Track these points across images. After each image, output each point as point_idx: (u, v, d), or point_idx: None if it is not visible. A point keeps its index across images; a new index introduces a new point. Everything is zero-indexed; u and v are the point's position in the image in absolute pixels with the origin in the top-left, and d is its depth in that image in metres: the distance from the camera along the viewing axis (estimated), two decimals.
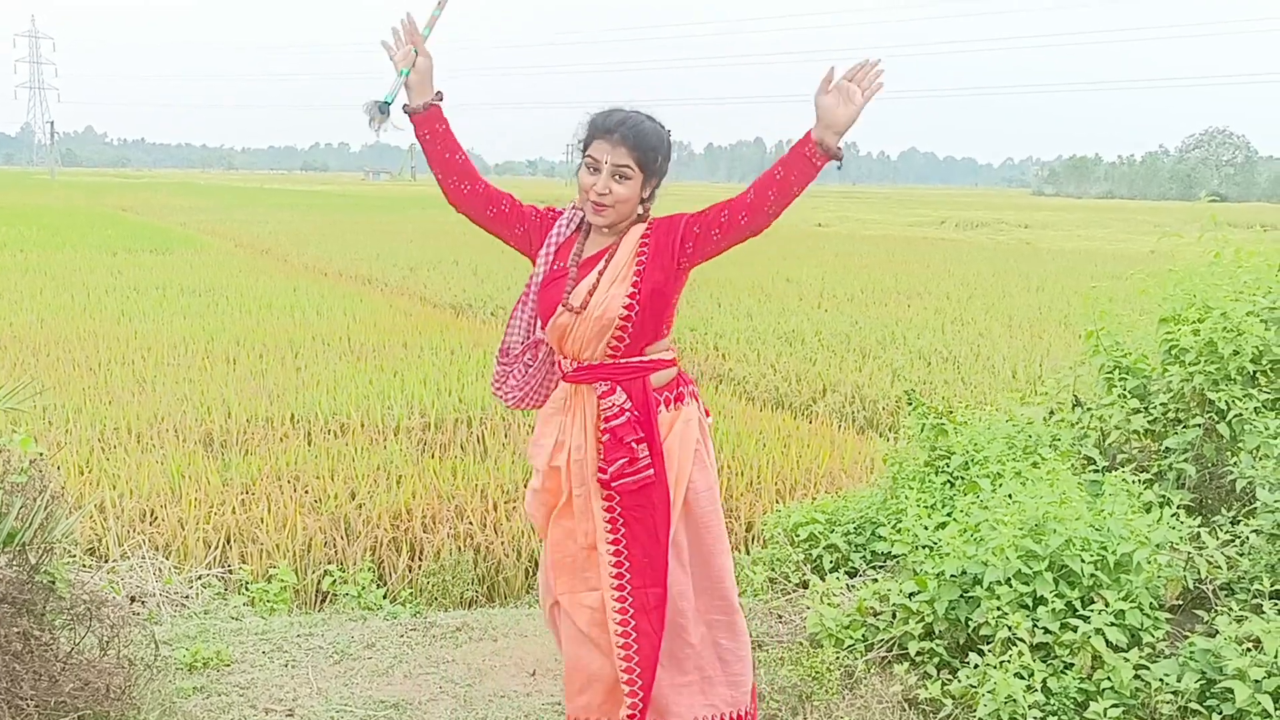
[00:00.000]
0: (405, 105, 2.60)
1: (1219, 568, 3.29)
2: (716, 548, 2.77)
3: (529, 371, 2.75)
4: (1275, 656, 2.78)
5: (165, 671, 3.51)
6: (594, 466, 2.63)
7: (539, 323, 2.69)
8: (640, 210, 2.63)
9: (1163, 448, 4.00)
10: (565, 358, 2.66)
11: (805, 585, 4.20)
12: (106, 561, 4.81)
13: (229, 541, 5.27)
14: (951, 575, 3.41)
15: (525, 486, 5.91)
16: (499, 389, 2.80)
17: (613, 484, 2.59)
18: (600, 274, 2.58)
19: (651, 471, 2.60)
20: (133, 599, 4.35)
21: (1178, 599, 3.35)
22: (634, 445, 2.58)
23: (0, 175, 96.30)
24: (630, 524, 2.63)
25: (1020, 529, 3.32)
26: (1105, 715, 2.85)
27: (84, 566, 4.55)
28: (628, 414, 2.59)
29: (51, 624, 2.98)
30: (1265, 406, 3.74)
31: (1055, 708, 2.99)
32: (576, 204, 2.69)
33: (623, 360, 2.60)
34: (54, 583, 2.96)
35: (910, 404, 4.71)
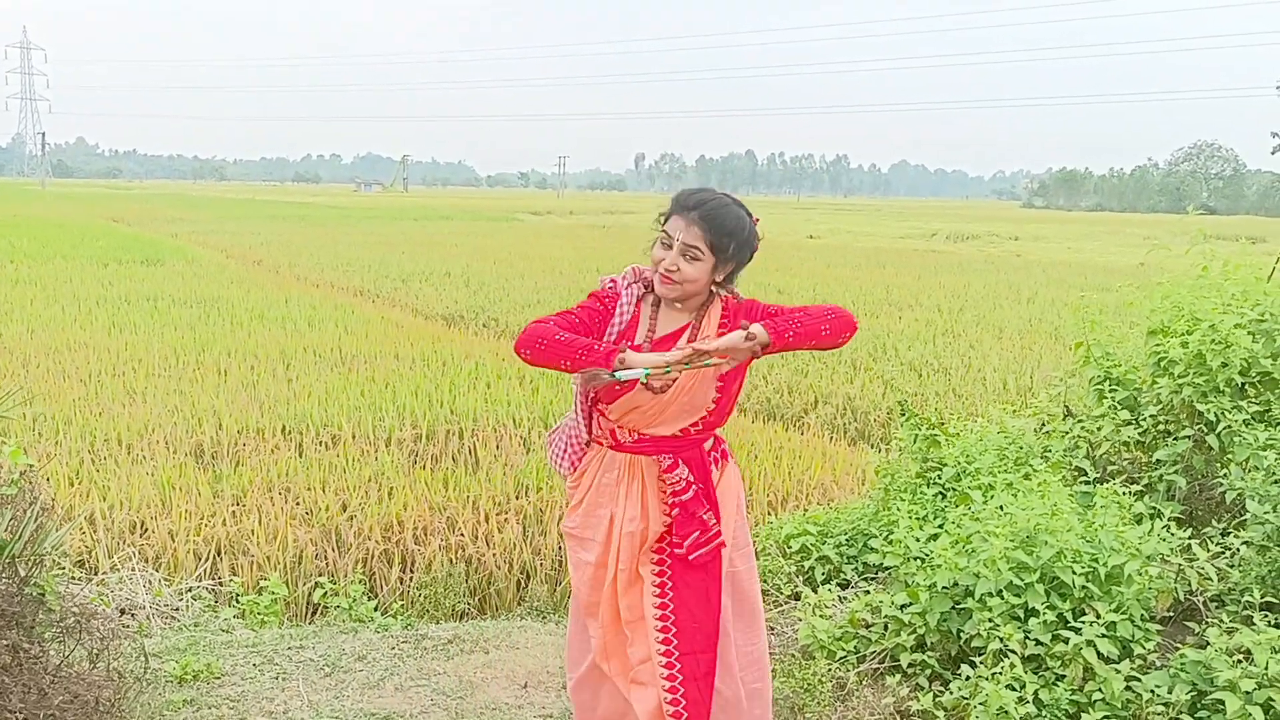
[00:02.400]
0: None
1: (1209, 579, 3.30)
2: (758, 604, 2.79)
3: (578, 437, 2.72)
4: (1266, 668, 2.78)
5: (155, 684, 3.49)
6: (649, 538, 2.62)
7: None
8: (713, 290, 2.62)
9: (1153, 459, 4.01)
10: (623, 429, 2.62)
11: (797, 597, 4.20)
12: (96, 574, 4.80)
13: (219, 553, 5.25)
14: (943, 587, 3.41)
15: (517, 498, 5.95)
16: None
17: (690, 556, 2.57)
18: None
19: (723, 538, 2.60)
20: (122, 611, 4.33)
21: (1169, 611, 3.35)
22: (704, 518, 2.58)
23: None
24: (679, 589, 2.61)
25: (1012, 541, 3.33)
26: None
27: (74, 579, 4.53)
28: (694, 487, 2.59)
29: (41, 636, 2.96)
30: (1254, 418, 3.76)
31: (1047, 719, 2.99)
32: (635, 271, 2.67)
33: (693, 437, 2.61)
34: (43, 595, 2.94)
35: (902, 415, 4.72)
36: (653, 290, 2.63)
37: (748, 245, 2.55)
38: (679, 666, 2.59)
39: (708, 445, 2.68)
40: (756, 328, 2.43)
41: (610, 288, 2.66)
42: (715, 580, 2.61)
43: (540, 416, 7.88)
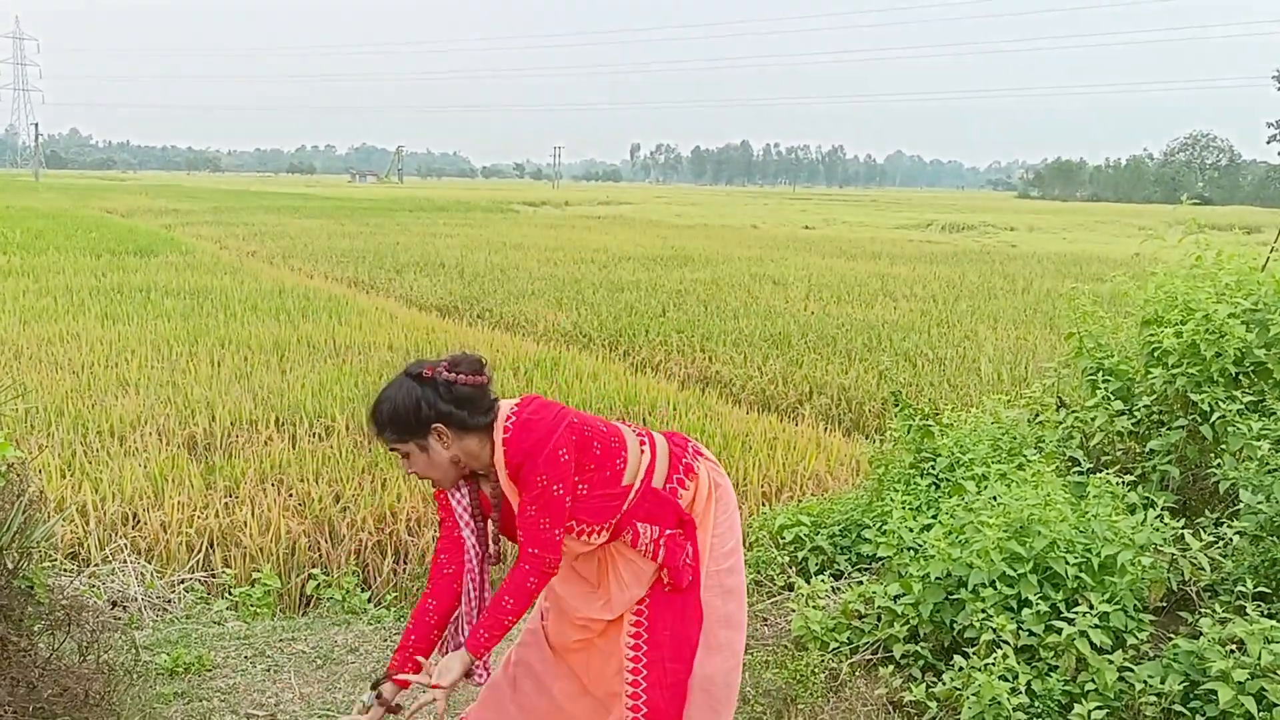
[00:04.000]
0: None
1: (1202, 569, 3.30)
2: (740, 618, 2.68)
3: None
4: (1258, 658, 2.78)
5: (146, 677, 3.48)
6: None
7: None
8: (465, 457, 2.48)
9: (1146, 449, 4.01)
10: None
11: (791, 588, 4.19)
12: (88, 566, 4.77)
13: (212, 545, 5.24)
14: (936, 578, 3.41)
15: None
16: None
17: (682, 584, 2.50)
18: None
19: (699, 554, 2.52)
20: (114, 603, 4.31)
21: (1161, 601, 3.35)
22: (688, 562, 2.50)
23: None
24: (655, 612, 2.53)
25: (1005, 531, 3.32)
26: (1089, 717, 2.85)
27: (64, 571, 4.51)
28: (663, 539, 2.49)
29: (30, 630, 2.95)
30: (1248, 408, 3.75)
31: (1040, 710, 2.99)
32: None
33: (611, 530, 2.49)
34: (32, 588, 2.93)
35: (896, 406, 4.71)
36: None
37: (420, 413, 2.40)
38: (645, 674, 2.51)
39: (662, 472, 2.55)
40: (456, 661, 2.42)
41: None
42: (695, 596, 2.53)
43: None
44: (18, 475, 3.11)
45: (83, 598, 3.23)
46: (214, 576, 4.94)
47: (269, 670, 3.68)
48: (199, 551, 5.17)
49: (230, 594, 4.64)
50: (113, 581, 4.51)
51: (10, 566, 2.89)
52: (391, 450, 2.47)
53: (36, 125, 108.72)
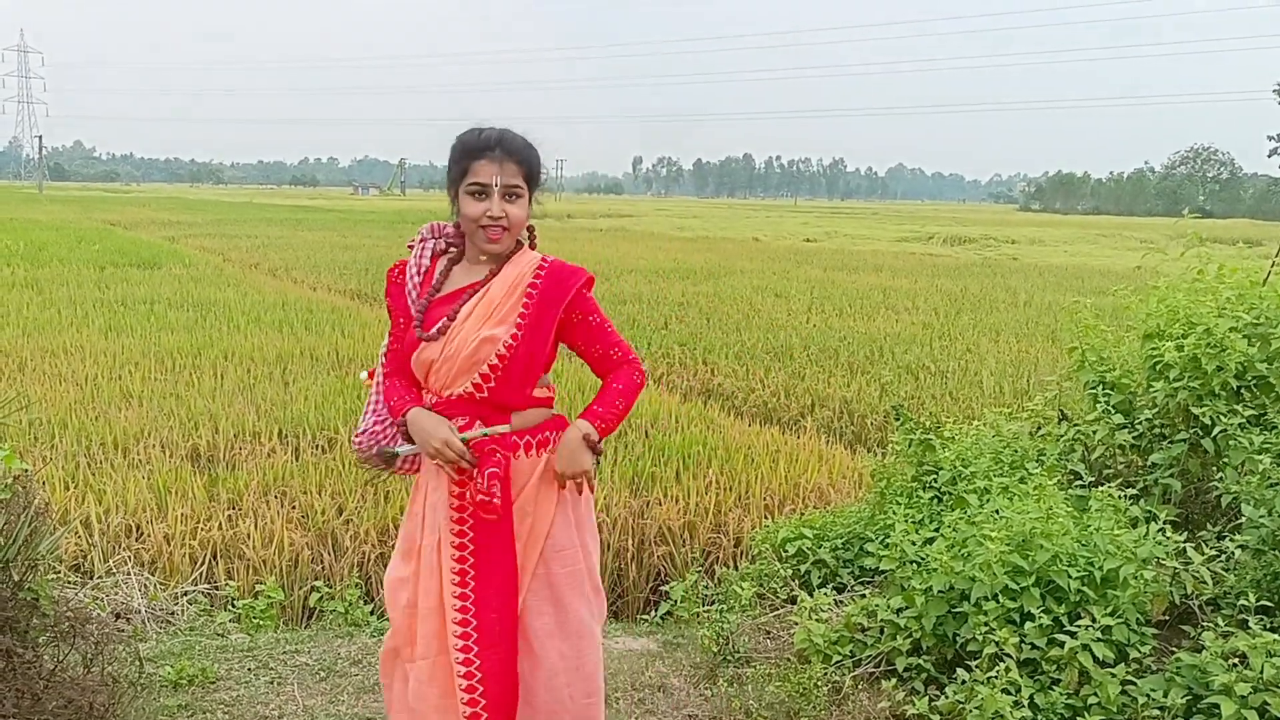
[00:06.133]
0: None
1: (1205, 583, 3.30)
2: (585, 621, 2.53)
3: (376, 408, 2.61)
4: (1261, 672, 2.79)
5: (150, 689, 3.49)
6: (447, 510, 2.43)
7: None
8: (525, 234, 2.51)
9: (1148, 463, 4.01)
10: (429, 393, 2.48)
11: (793, 601, 4.20)
12: (92, 578, 4.78)
13: (215, 557, 5.24)
14: (939, 591, 3.41)
15: None
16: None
17: (467, 508, 2.40)
18: (475, 305, 2.41)
19: (498, 500, 2.37)
20: (118, 615, 4.31)
21: (1164, 614, 3.35)
22: (490, 476, 2.38)
23: None
24: (480, 579, 2.41)
25: (1007, 544, 3.33)
26: None
27: (69, 583, 4.52)
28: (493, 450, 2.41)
29: (35, 641, 2.96)
30: (1249, 422, 3.76)
31: None
32: (433, 227, 2.55)
33: (486, 397, 2.41)
34: (37, 599, 2.93)
35: (898, 419, 4.72)
36: (452, 247, 2.53)
37: (540, 166, 2.47)
38: (479, 665, 2.40)
39: (529, 421, 2.47)
40: (587, 427, 2.40)
41: (396, 269, 2.60)
42: (513, 576, 2.43)
43: None
44: (23, 487, 3.12)
45: (87, 610, 3.24)
46: (217, 589, 4.95)
47: (272, 682, 3.69)
48: (202, 564, 5.17)
49: (233, 606, 4.64)
50: (116, 593, 4.52)
51: (16, 579, 2.90)
52: (508, 186, 2.37)
53: (40, 138, 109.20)
